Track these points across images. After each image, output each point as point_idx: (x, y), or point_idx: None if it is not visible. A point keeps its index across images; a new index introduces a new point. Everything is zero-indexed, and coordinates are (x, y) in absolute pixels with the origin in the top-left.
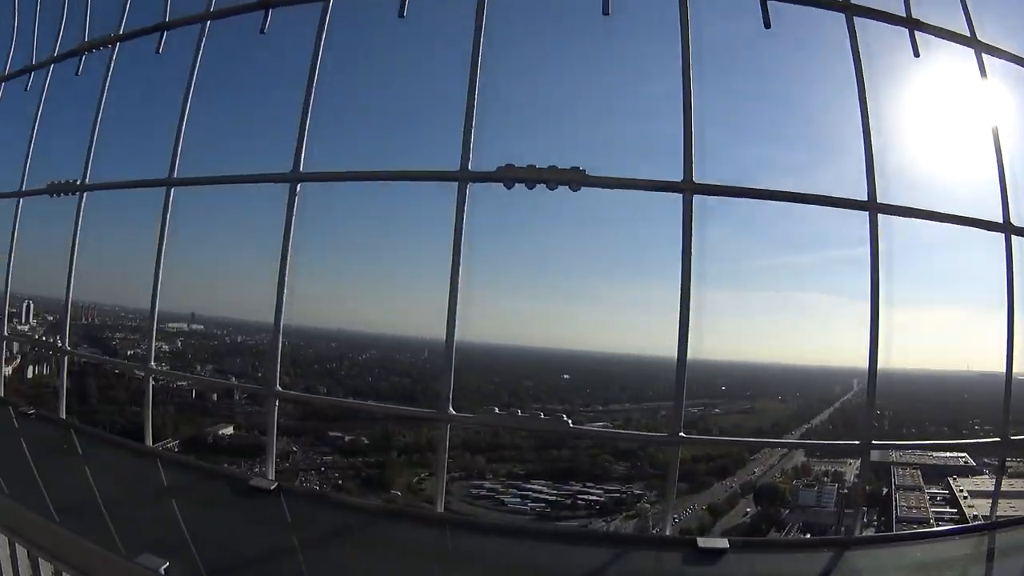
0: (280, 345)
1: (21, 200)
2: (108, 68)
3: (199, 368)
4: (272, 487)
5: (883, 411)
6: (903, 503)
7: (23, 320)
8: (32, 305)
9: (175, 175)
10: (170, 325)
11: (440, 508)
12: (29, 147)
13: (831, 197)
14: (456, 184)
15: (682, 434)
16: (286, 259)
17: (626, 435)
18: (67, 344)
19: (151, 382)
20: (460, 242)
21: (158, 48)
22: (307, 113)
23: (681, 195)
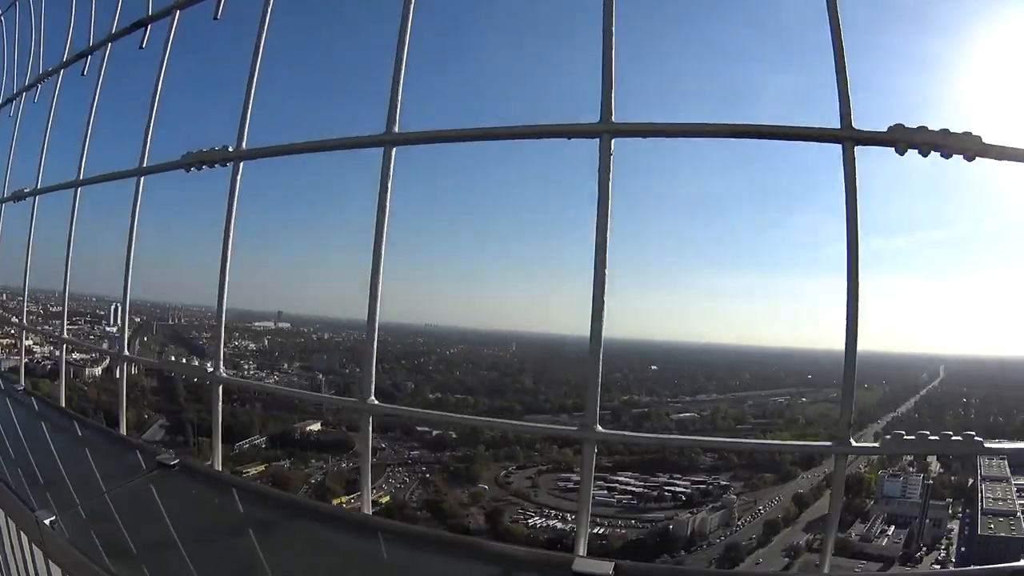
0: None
1: (141, 178)
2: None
3: (286, 365)
4: None
5: (969, 399)
6: (989, 495)
7: (111, 322)
8: (119, 307)
9: None
10: (256, 324)
11: None
12: (150, 119)
13: None
14: (841, 146)
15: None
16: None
17: None
18: (220, 370)
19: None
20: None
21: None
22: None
23: None
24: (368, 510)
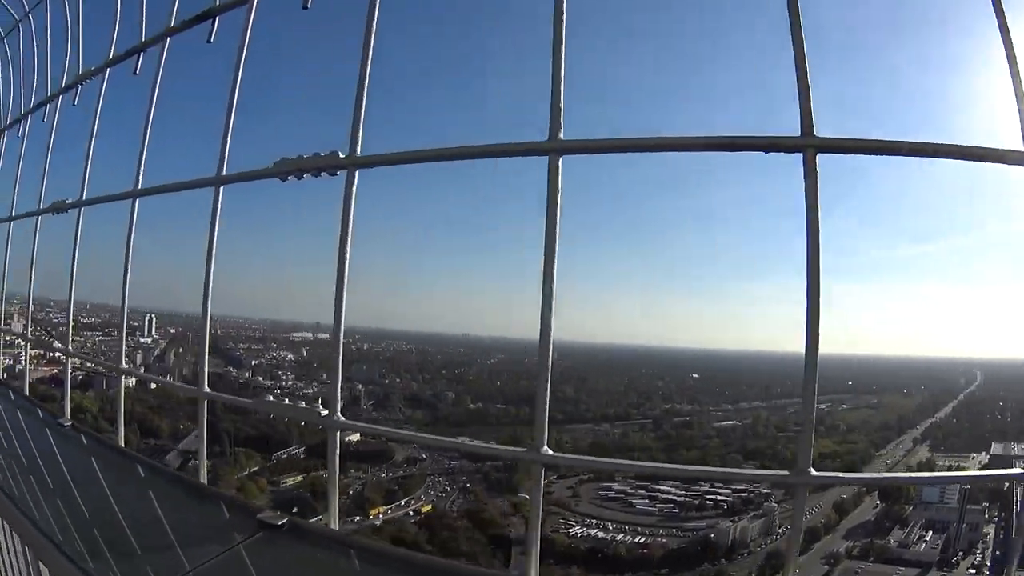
0: None
1: (220, 189)
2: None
3: (325, 376)
4: None
5: (1007, 403)
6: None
7: (145, 333)
8: (154, 318)
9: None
10: (295, 334)
11: None
12: (228, 123)
13: None
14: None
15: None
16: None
17: None
18: (338, 414)
19: None
20: None
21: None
22: None
23: None
24: (534, 572)
